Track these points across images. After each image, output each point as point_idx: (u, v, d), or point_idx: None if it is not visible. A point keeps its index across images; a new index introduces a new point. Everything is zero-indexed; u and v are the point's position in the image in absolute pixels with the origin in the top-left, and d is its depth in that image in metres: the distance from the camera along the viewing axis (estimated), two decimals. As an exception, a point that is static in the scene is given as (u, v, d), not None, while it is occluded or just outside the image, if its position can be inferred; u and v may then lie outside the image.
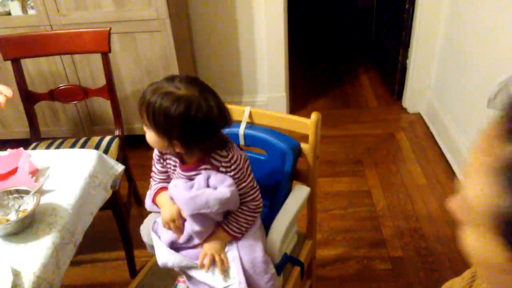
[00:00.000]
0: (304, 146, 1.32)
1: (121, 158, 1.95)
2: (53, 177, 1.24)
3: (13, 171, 1.26)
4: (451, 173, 2.36)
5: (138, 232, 1.94)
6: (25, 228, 1.06)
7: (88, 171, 1.27)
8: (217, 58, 2.84)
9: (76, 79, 2.44)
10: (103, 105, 2.54)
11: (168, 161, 1.19)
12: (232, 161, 1.10)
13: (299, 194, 1.31)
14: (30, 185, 1.19)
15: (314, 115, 1.26)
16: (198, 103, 1.00)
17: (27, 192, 1.12)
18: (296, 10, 2.79)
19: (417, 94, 2.88)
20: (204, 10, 2.70)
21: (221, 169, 1.10)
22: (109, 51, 1.88)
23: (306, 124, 1.27)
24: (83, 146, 1.91)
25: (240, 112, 1.37)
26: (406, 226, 2.06)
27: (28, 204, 1.11)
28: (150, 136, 1.07)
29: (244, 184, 1.12)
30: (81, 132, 2.67)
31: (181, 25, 2.54)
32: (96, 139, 1.96)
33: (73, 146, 1.91)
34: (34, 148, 1.90)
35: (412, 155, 2.55)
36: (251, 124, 1.36)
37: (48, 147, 1.88)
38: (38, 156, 1.33)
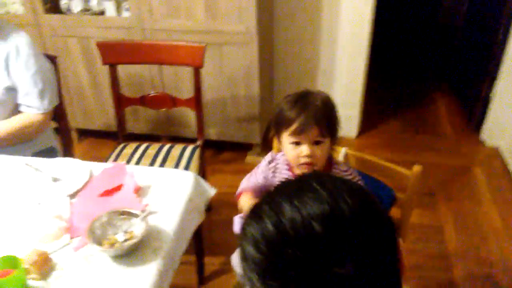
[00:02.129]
0: (400, 196, 1.31)
1: (201, 167, 2.01)
2: (154, 198, 1.30)
3: (118, 187, 1.33)
4: (529, 219, 2.27)
5: (209, 238, 2.00)
6: (133, 251, 1.13)
7: (187, 195, 1.32)
8: (295, 73, 2.84)
9: (161, 85, 2.52)
10: (182, 109, 2.62)
11: (277, 172, 1.31)
12: (353, 175, 1.22)
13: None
14: (135, 204, 1.26)
15: (416, 168, 1.25)
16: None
17: (135, 215, 1.18)
18: (376, 27, 2.75)
19: (498, 127, 2.77)
20: (288, 24, 2.70)
21: None
22: (202, 66, 1.93)
23: (406, 176, 1.26)
24: (167, 153, 1.98)
25: (336, 152, 1.38)
26: (479, 271, 2.01)
27: (135, 226, 1.17)
28: (322, 149, 1.17)
29: None
30: (159, 130, 2.77)
31: (265, 39, 2.56)
32: (179, 147, 2.03)
33: (158, 152, 1.98)
34: (122, 150, 2.00)
35: (488, 193, 2.46)
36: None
37: (141, 154, 1.95)
38: (139, 173, 1.40)
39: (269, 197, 0.57)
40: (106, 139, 2.86)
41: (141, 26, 2.41)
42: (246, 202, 1.30)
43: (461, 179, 2.59)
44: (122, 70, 2.53)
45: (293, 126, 1.15)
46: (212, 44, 2.37)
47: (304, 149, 1.16)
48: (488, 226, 2.24)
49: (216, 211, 2.35)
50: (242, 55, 2.39)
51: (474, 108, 2.94)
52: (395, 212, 1.33)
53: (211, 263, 2.04)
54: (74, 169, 1.41)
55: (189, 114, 2.60)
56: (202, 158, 2.05)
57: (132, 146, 2.03)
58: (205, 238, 1.88)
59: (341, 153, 1.38)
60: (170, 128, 2.73)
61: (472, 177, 2.60)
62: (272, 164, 1.33)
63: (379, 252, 0.53)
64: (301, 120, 1.13)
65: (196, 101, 2.00)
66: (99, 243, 1.13)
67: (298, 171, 1.26)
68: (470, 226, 2.25)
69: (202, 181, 1.44)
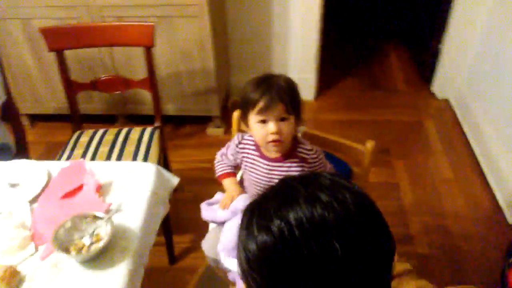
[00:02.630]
0: (356, 170, 1.37)
1: (161, 149, 2.00)
2: (117, 196, 1.30)
3: (79, 188, 1.32)
4: (478, 167, 2.41)
5: (176, 218, 2.02)
6: (102, 253, 1.14)
7: (149, 189, 1.33)
8: (249, 39, 2.81)
9: (112, 67, 2.44)
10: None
11: (245, 153, 1.37)
12: (318, 153, 1.30)
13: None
14: (98, 204, 1.26)
15: (369, 143, 1.30)
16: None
17: (100, 217, 1.19)
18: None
19: (447, 80, 2.87)
20: (238, -11, 2.64)
21: (310, 160, 1.29)
22: (153, 45, 1.88)
23: (360, 151, 1.32)
24: (125, 138, 1.95)
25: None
26: (433, 223, 2.15)
27: (101, 227, 1.18)
28: (288, 125, 1.23)
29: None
30: (114, 110, 2.71)
31: (217, 9, 2.50)
32: (138, 130, 2.00)
33: (116, 138, 1.95)
34: (78, 138, 1.96)
35: (440, 146, 2.59)
36: (304, 146, 1.40)
37: (99, 141, 1.92)
38: (98, 169, 1.38)
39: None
40: (61, 122, 2.78)
41: (85, 3, 2.30)
42: (231, 185, 1.41)
43: (414, 133, 2.70)
44: (70, 54, 2.42)
45: (259, 105, 1.20)
46: (163, 17, 2.30)
47: (271, 126, 1.21)
48: (440, 178, 2.38)
49: (181, 188, 2.37)
50: (194, 27, 2.33)
51: (425, 61, 3.02)
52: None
53: (181, 241, 2.08)
54: (30, 172, 1.38)
55: (145, 92, 2.54)
56: (162, 139, 2.04)
57: (88, 133, 1.99)
58: (171, 217, 1.91)
59: (299, 131, 1.40)
60: (126, 106, 2.68)
61: (424, 130, 2.72)
62: (241, 146, 1.39)
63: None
64: (266, 98, 1.19)
65: (151, 82, 1.96)
66: (66, 249, 1.13)
67: (266, 151, 1.32)
68: (423, 180, 2.38)
69: (164, 171, 1.45)
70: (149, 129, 2.02)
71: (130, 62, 2.45)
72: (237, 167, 1.47)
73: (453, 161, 2.48)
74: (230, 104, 2.97)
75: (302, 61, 2.86)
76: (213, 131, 2.73)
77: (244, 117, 1.30)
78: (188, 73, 2.51)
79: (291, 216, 0.56)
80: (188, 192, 2.35)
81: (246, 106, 1.26)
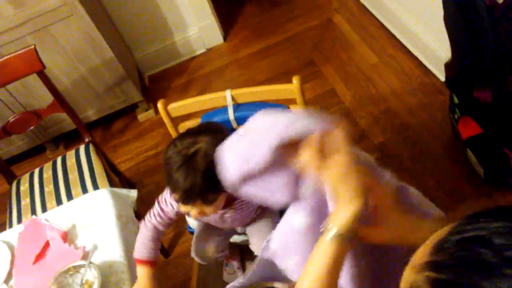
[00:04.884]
0: (294, 108, 1.38)
1: (103, 160, 1.94)
2: (85, 235, 1.27)
3: (46, 245, 1.28)
4: (397, 42, 2.49)
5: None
6: (99, 297, 1.13)
7: (114, 215, 1.31)
8: (135, 13, 2.64)
9: (17, 104, 2.25)
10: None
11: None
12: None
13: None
14: (73, 253, 1.23)
15: (295, 80, 1.31)
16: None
17: (81, 265, 1.17)
18: None
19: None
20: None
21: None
22: (44, 67, 1.75)
23: (290, 90, 1.33)
24: (63, 165, 1.87)
25: (222, 98, 1.39)
26: (378, 110, 2.24)
27: (87, 274, 1.17)
28: (215, 205, 1.07)
29: None
30: (37, 140, 2.55)
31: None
32: (72, 155, 1.92)
33: (54, 170, 1.87)
34: (18, 189, 1.86)
35: (356, 36, 2.64)
36: (237, 106, 1.40)
37: (40, 183, 1.83)
38: (55, 217, 1.34)
39: None
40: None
41: None
42: (143, 279, 1.16)
43: (328, 34, 2.73)
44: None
45: (176, 196, 1.03)
46: (38, 30, 2.12)
47: (193, 213, 1.08)
48: (368, 66, 2.45)
49: (140, 184, 2.34)
50: (75, 26, 2.17)
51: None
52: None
53: (166, 233, 2.09)
54: (-11, 252, 1.32)
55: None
56: (98, 151, 1.97)
57: (25, 179, 1.89)
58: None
59: (227, 95, 1.39)
60: (47, 131, 2.53)
61: (336, 27, 2.75)
62: None
63: None
64: (182, 194, 1.01)
65: (60, 103, 1.85)
66: (64, 309, 1.12)
67: None
68: (354, 74, 2.44)
69: (119, 190, 1.42)
70: (82, 148, 1.93)
71: (31, 92, 2.29)
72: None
73: (373, 45, 2.55)
74: (148, 81, 2.87)
75: (195, 10, 2.75)
76: (144, 115, 2.65)
77: None
78: (92, 72, 2.37)
79: None
80: (148, 185, 2.33)
81: (168, 182, 1.05)
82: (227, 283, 1.44)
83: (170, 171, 1.00)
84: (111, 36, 2.43)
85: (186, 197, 1.01)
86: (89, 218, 1.32)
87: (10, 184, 1.92)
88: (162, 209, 1.19)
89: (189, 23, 2.81)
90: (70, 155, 1.92)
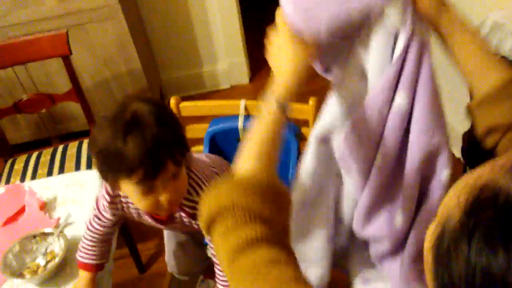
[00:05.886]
0: (304, 130, 1.35)
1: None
2: (64, 209, 1.22)
3: (21, 210, 1.22)
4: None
5: (138, 226, 1.94)
6: (60, 269, 1.06)
7: (95, 195, 1.25)
8: (170, 34, 2.73)
9: (32, 85, 2.29)
10: (64, 103, 2.42)
11: (125, 208, 1.04)
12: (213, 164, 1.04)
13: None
14: (45, 221, 1.17)
15: (312, 101, 1.29)
16: None
17: (49, 233, 1.10)
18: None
19: None
20: (149, -16, 2.57)
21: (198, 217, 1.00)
22: (70, 53, 1.78)
23: (305, 109, 1.30)
24: (63, 156, 1.84)
25: (235, 106, 1.38)
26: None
27: (54, 244, 1.09)
28: (182, 179, 0.92)
29: None
30: (45, 134, 2.55)
31: (130, 7, 2.41)
32: (74, 145, 1.89)
33: (53, 158, 1.84)
34: (12, 166, 1.82)
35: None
36: (248, 117, 1.38)
37: (35, 164, 1.80)
38: (38, 187, 1.29)
39: None
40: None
41: (-15, 26, 2.14)
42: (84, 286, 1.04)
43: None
44: (-19, 80, 2.26)
45: (139, 175, 0.82)
46: (74, 26, 2.18)
47: (163, 198, 0.88)
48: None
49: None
50: (110, 30, 2.24)
51: None
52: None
53: (146, 248, 2.01)
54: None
55: (73, 106, 2.42)
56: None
57: (21, 159, 1.86)
58: (130, 227, 1.82)
59: (241, 105, 1.37)
60: (57, 127, 2.53)
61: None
62: (117, 201, 1.03)
63: None
64: (148, 164, 0.82)
65: (76, 92, 1.86)
66: (20, 274, 1.04)
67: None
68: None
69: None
70: (86, 142, 1.91)
71: (50, 77, 2.31)
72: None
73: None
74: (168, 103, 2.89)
75: (228, 46, 2.82)
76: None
77: (109, 181, 0.92)
78: (115, 79, 2.41)
79: None
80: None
81: (111, 172, 0.86)
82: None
83: (116, 152, 0.81)
84: (142, 49, 2.49)
85: (154, 163, 0.82)
86: (72, 194, 1.26)
87: (5, 163, 1.89)
88: (100, 213, 1.05)
89: (220, 56, 2.87)
90: (73, 145, 1.89)
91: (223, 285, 1.03)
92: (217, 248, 0.59)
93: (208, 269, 1.33)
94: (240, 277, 0.55)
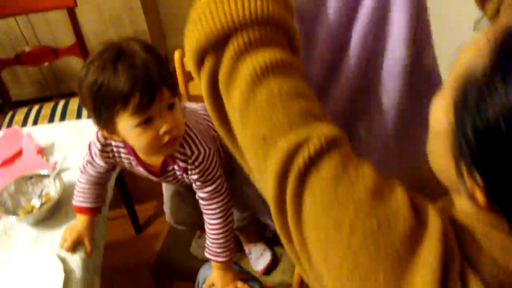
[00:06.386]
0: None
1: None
2: (62, 155, 1.20)
3: (18, 153, 1.20)
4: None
5: (134, 185, 1.93)
6: (55, 212, 1.04)
7: (96, 142, 1.23)
8: (180, 1, 2.68)
9: (35, 38, 2.26)
10: (67, 61, 2.39)
11: (117, 157, 0.99)
12: (199, 161, 0.93)
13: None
14: (42, 165, 1.15)
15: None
16: None
17: (45, 175, 1.08)
18: None
19: None
20: None
21: (189, 171, 0.95)
22: (75, 5, 1.74)
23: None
24: (64, 110, 1.82)
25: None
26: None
27: (49, 186, 1.08)
28: (179, 111, 0.88)
29: (209, 188, 0.97)
30: (47, 92, 2.53)
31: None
32: (76, 101, 1.87)
33: (53, 110, 1.82)
34: (12, 117, 1.80)
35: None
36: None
37: (36, 117, 1.78)
38: (37, 133, 1.27)
39: None
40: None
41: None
42: (82, 228, 1.01)
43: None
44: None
45: (135, 100, 0.79)
46: (81, -19, 2.14)
47: (163, 129, 0.84)
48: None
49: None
50: (118, -11, 2.20)
51: None
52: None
53: (144, 209, 2.00)
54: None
55: (77, 65, 2.39)
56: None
57: (22, 111, 1.84)
58: (130, 187, 1.81)
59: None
60: (60, 85, 2.50)
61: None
62: (108, 150, 0.98)
63: None
64: (143, 87, 0.78)
65: (80, 47, 1.83)
66: (14, 214, 1.03)
67: (146, 157, 0.97)
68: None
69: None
70: (88, 98, 1.88)
71: (53, 31, 2.27)
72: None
73: None
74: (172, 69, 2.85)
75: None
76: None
77: (103, 124, 0.85)
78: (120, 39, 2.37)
79: None
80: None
81: (109, 106, 0.80)
82: (193, 256, 1.34)
83: (108, 80, 0.78)
84: (150, 13, 2.45)
85: (148, 87, 0.79)
86: (71, 142, 1.24)
87: (5, 114, 1.87)
88: (92, 159, 1.00)
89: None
90: (74, 101, 1.87)
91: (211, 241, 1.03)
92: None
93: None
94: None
